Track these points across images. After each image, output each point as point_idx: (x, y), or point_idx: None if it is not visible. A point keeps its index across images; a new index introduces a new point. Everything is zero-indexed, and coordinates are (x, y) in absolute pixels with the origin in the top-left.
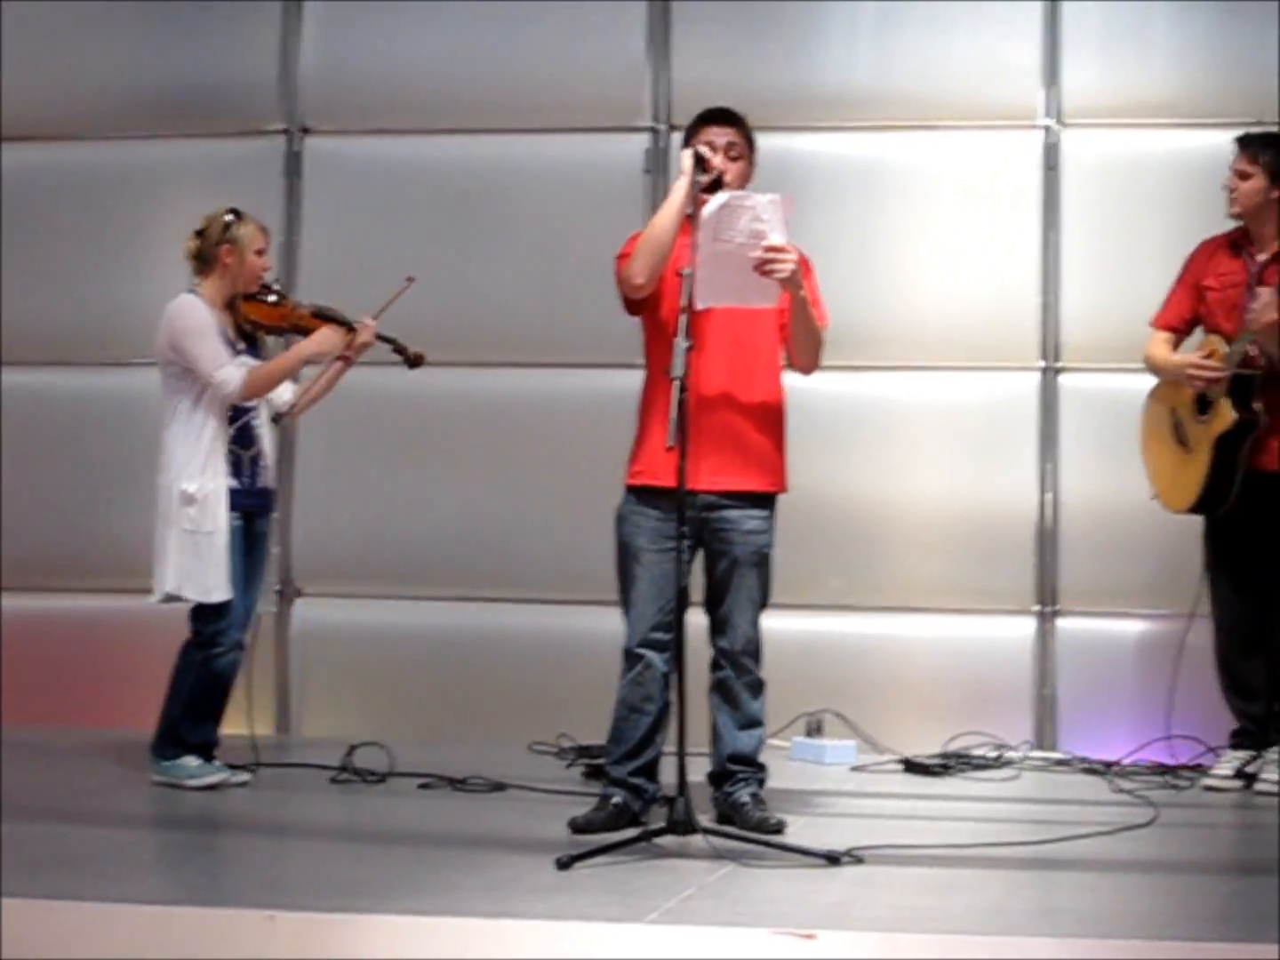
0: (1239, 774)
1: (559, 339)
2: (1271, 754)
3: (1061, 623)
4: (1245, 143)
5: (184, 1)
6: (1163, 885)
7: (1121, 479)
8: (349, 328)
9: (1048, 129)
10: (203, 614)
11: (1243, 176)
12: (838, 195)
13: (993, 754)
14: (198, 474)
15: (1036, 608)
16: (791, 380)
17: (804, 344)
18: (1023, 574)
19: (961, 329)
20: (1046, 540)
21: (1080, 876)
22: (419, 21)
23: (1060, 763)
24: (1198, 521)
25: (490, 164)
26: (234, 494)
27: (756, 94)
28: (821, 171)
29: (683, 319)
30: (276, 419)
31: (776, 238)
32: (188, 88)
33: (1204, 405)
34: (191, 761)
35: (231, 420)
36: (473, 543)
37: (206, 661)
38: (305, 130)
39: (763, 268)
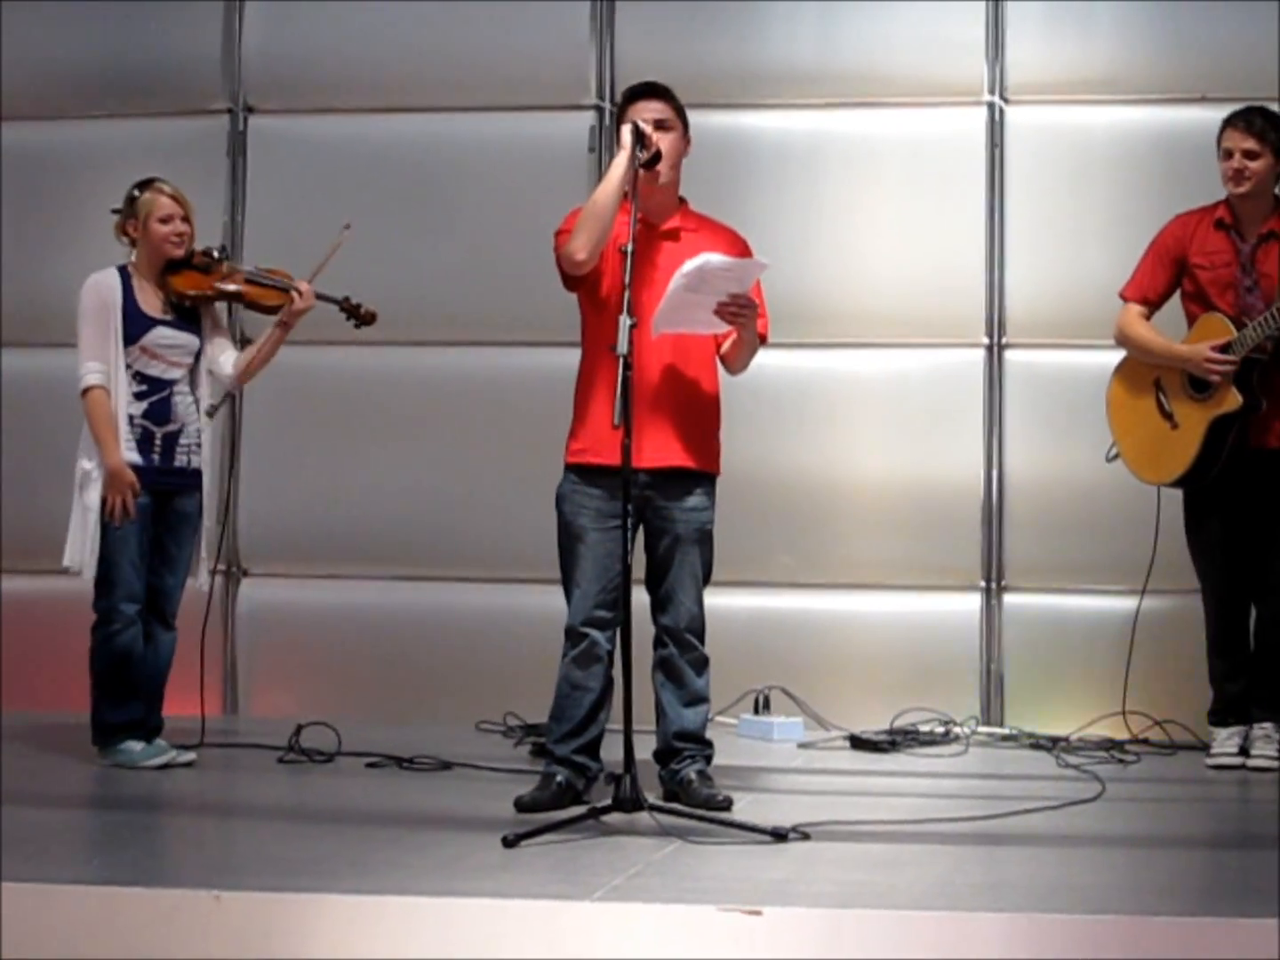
0: (1242, 750)
1: (504, 317)
2: (1260, 730)
3: (1008, 598)
4: (1250, 122)
5: None
6: (1108, 860)
7: (1067, 454)
8: (284, 293)
9: (992, 105)
10: (96, 591)
11: (1251, 156)
12: (782, 172)
13: (939, 730)
14: (95, 451)
15: (983, 583)
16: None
17: (743, 358)
18: (969, 550)
19: (907, 305)
20: (992, 516)
21: (1026, 851)
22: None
23: (1007, 738)
24: (1145, 499)
25: (435, 142)
26: (139, 471)
27: (701, 71)
28: (766, 149)
29: (626, 295)
30: (216, 407)
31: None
32: (131, 67)
33: (1199, 384)
34: (134, 746)
35: (144, 395)
36: (418, 522)
37: (106, 640)
38: (249, 109)
39: (725, 314)
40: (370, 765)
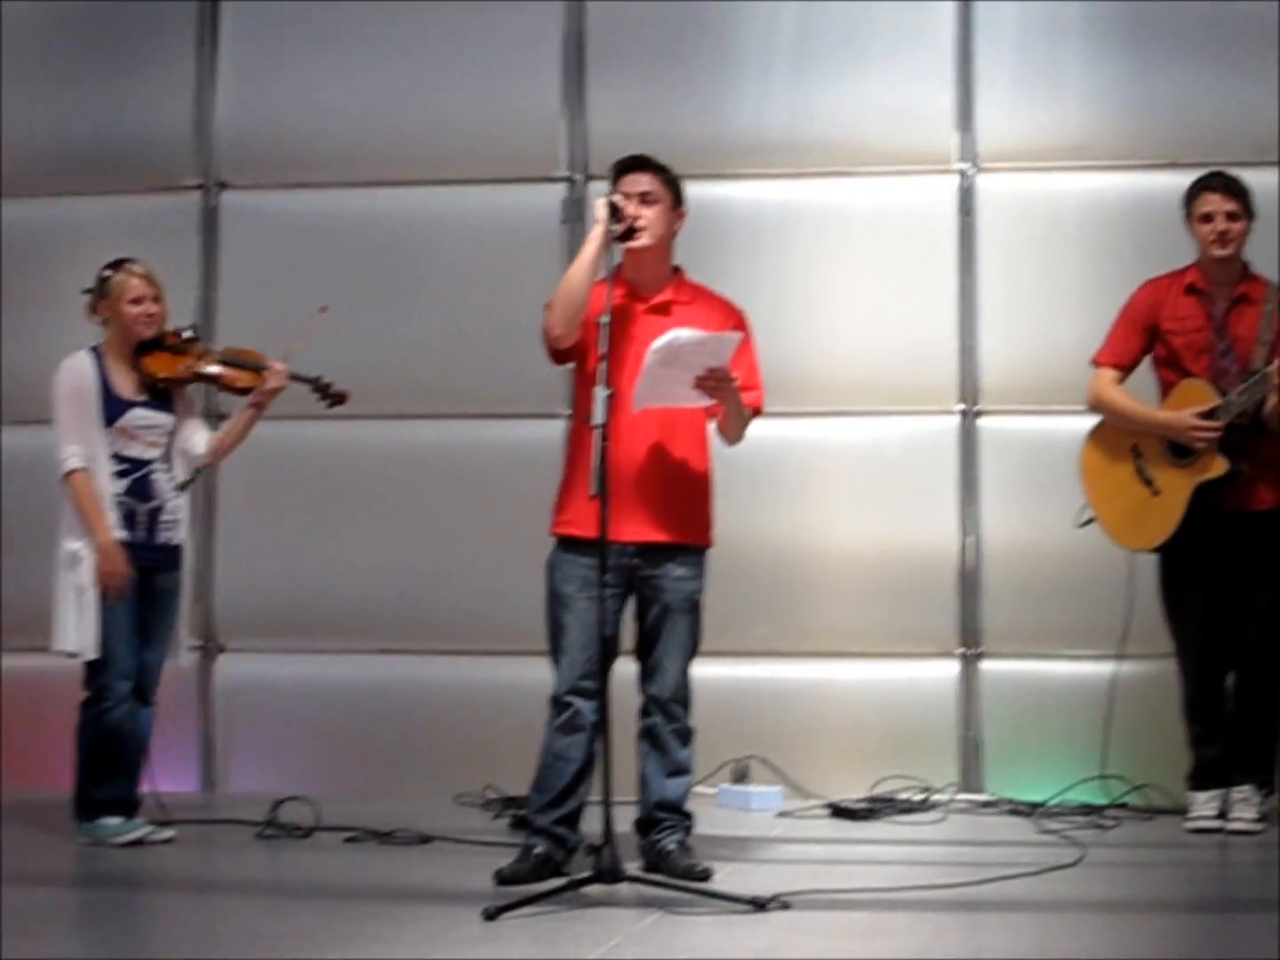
0: (1220, 814)
1: (479, 390)
2: (1239, 793)
3: (985, 665)
4: (1229, 185)
5: (98, 57)
6: (1088, 925)
7: (1042, 520)
8: (257, 374)
9: (963, 173)
10: (88, 670)
11: (1233, 218)
12: (755, 242)
13: (918, 797)
14: (83, 531)
15: (960, 650)
16: (713, 426)
17: (734, 427)
18: (945, 617)
19: (881, 373)
20: (968, 583)
21: (1007, 918)
22: (334, 75)
23: (986, 804)
24: (1121, 564)
25: (408, 216)
26: (127, 547)
27: (672, 142)
28: (738, 219)
29: (602, 367)
30: (188, 481)
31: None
32: (102, 143)
33: (1180, 449)
34: (111, 821)
35: (125, 474)
36: (395, 595)
37: (98, 717)
38: (221, 185)
39: (704, 387)
40: (349, 840)
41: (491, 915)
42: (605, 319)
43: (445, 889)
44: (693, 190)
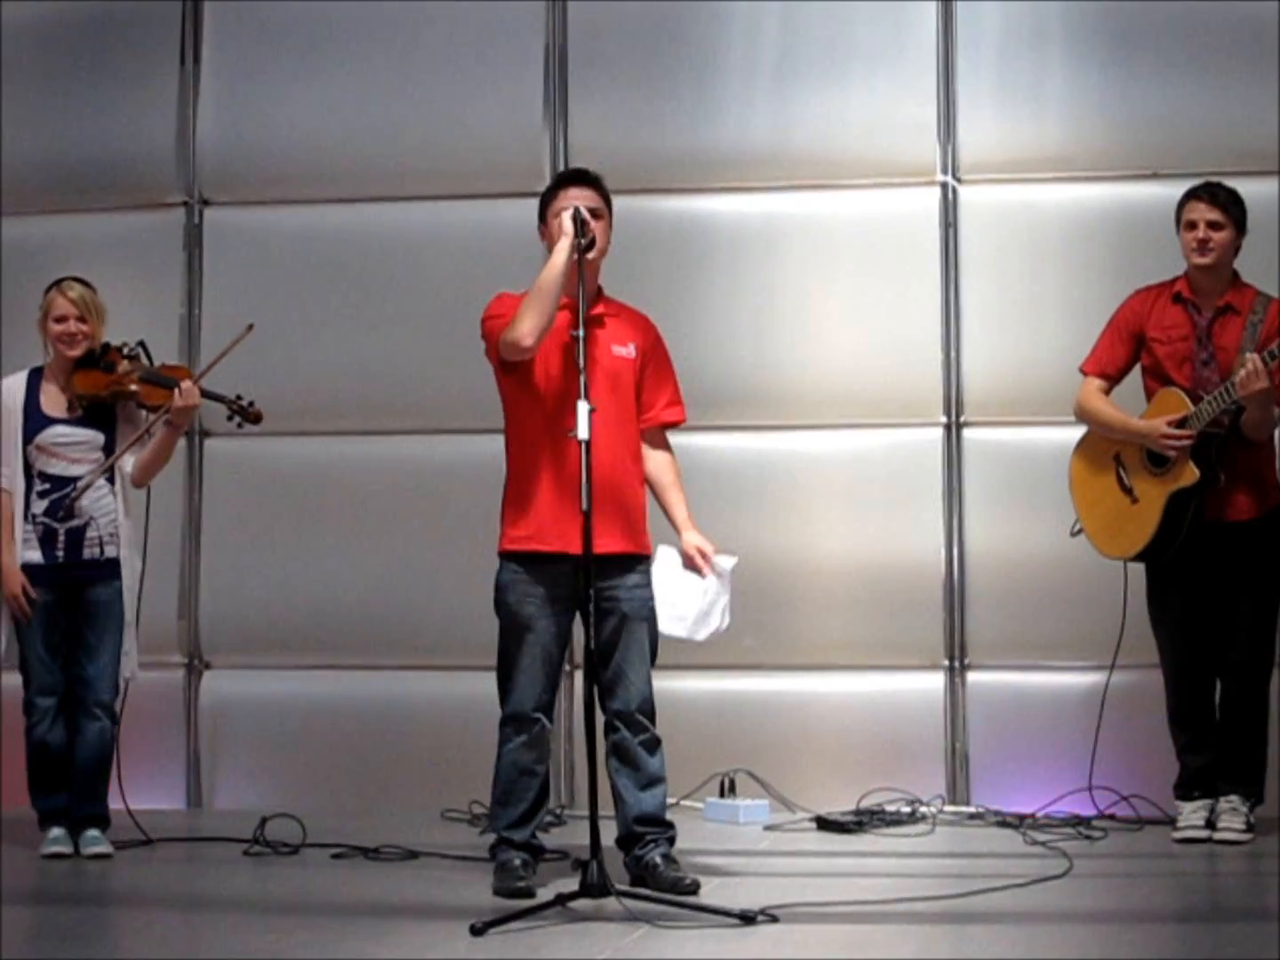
0: (1208, 823)
1: (462, 406)
2: (1226, 803)
3: (971, 676)
4: (1214, 194)
5: (81, 75)
6: (1076, 936)
7: (1027, 531)
8: (170, 391)
9: (945, 185)
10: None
11: (1216, 227)
12: (738, 255)
13: (906, 809)
14: None
15: (946, 662)
16: (699, 440)
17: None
18: (931, 628)
19: (864, 386)
20: (954, 594)
21: (995, 929)
22: (316, 91)
23: (973, 816)
24: (1106, 574)
25: (390, 232)
26: (41, 569)
27: (655, 156)
28: (721, 232)
29: (582, 381)
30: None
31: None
32: (86, 161)
33: (1158, 458)
34: (50, 832)
35: (47, 493)
36: (380, 611)
37: (27, 732)
38: (205, 202)
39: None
40: (336, 856)
41: (479, 930)
42: (579, 332)
43: (432, 904)
44: (675, 203)
